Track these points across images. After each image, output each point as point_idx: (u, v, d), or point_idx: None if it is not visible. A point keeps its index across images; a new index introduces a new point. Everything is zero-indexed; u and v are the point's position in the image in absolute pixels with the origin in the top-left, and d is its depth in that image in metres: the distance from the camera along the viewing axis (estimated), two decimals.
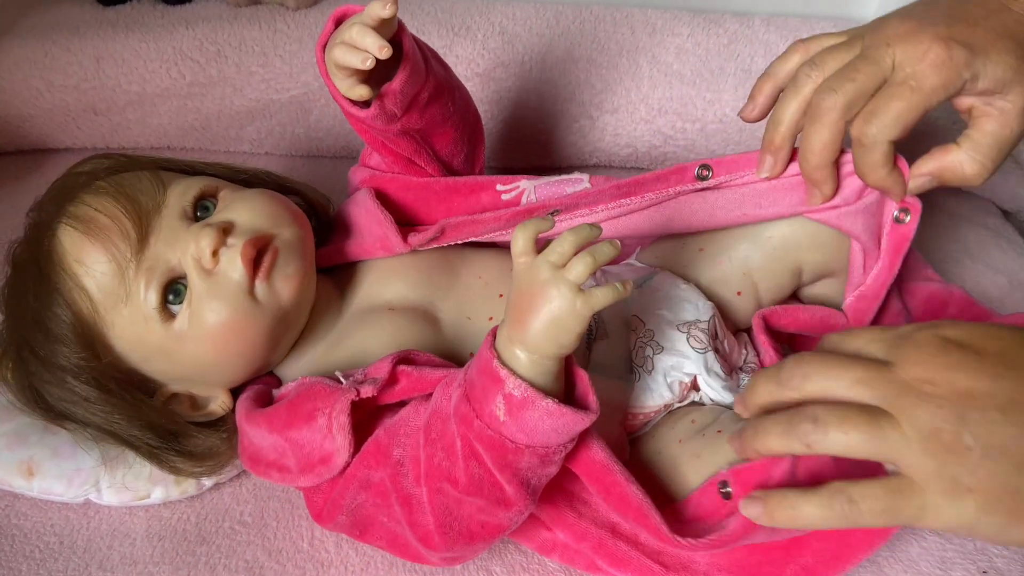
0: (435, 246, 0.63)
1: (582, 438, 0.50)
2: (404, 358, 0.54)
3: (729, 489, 0.51)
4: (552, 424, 0.45)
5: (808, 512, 0.41)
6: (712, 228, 0.62)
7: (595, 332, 0.60)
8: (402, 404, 0.54)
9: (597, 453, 0.51)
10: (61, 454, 0.60)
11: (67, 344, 0.54)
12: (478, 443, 0.46)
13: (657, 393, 0.58)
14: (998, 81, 0.49)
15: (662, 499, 0.53)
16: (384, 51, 0.51)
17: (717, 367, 0.59)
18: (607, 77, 0.86)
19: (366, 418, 0.54)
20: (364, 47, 0.52)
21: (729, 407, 0.58)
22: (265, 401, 0.57)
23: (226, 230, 0.54)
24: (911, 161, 0.55)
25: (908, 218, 0.57)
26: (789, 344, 0.68)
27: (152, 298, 0.54)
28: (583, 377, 0.48)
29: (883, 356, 0.42)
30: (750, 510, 0.42)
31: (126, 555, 0.59)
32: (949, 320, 0.42)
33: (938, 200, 0.86)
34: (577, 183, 0.65)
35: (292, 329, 0.59)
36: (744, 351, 0.63)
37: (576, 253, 0.45)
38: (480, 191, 0.65)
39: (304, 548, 0.59)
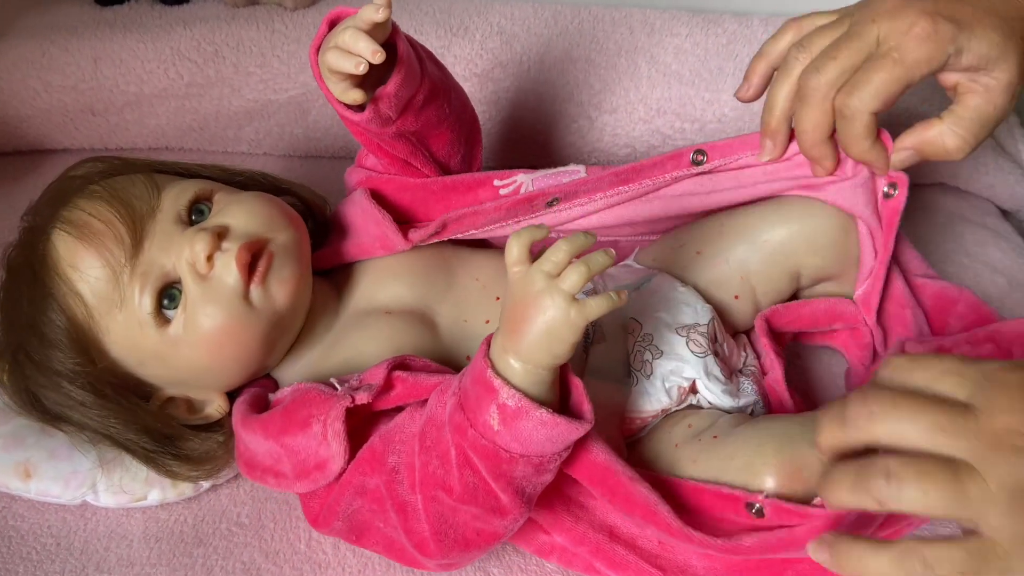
0: (436, 241, 0.63)
1: (581, 443, 0.50)
2: (400, 364, 0.54)
3: (761, 508, 0.50)
4: (546, 434, 0.45)
5: (877, 570, 0.37)
6: (710, 209, 0.63)
7: (592, 336, 0.59)
8: (398, 410, 0.54)
9: (598, 455, 0.51)
10: (58, 456, 0.60)
11: (62, 349, 0.54)
12: (472, 452, 0.46)
13: (655, 398, 0.58)
14: (982, 57, 0.49)
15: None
16: (377, 56, 0.51)
17: (717, 371, 0.59)
18: (605, 77, 0.85)
19: (361, 424, 0.54)
20: (357, 52, 0.51)
21: (727, 411, 0.58)
22: (261, 406, 0.57)
23: (221, 234, 0.54)
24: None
25: (896, 192, 0.57)
26: (793, 344, 0.68)
27: (147, 303, 0.54)
28: (578, 386, 0.48)
29: (964, 397, 0.37)
30: (818, 555, 0.39)
31: (123, 557, 0.59)
32: None
33: (937, 199, 0.86)
34: (574, 174, 0.65)
35: (288, 333, 0.59)
36: (743, 353, 0.63)
37: (570, 262, 0.45)
38: (477, 188, 0.65)
39: (301, 550, 0.59)
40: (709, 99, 0.84)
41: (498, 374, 0.45)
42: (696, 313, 0.61)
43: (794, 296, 0.65)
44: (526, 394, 0.45)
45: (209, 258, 0.53)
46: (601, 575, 0.55)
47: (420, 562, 0.53)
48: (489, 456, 0.46)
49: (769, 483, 0.51)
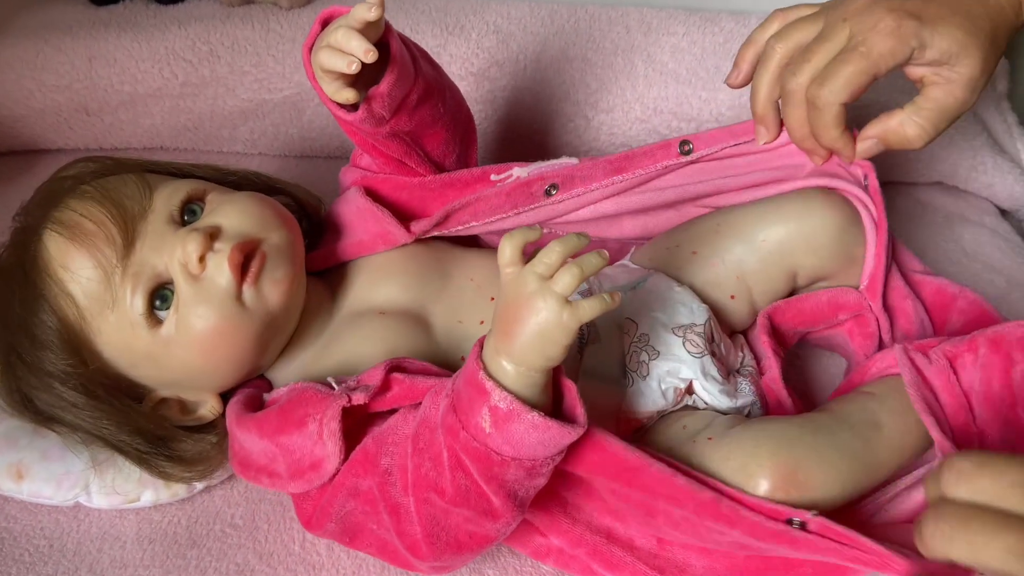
0: (437, 234, 0.63)
1: (591, 441, 0.50)
2: (397, 366, 0.53)
3: (802, 523, 0.49)
4: (538, 437, 0.45)
5: None
6: (706, 194, 0.65)
7: (586, 336, 0.59)
8: (393, 412, 0.53)
9: (611, 445, 0.50)
10: (50, 457, 0.60)
11: (53, 351, 0.54)
12: (464, 454, 0.46)
13: (650, 399, 0.58)
14: (945, 52, 0.53)
15: None
16: (370, 55, 0.51)
17: (714, 371, 0.58)
18: (602, 76, 0.85)
19: (355, 426, 0.53)
20: (349, 51, 0.51)
21: (724, 412, 0.58)
22: (256, 406, 0.57)
23: (213, 235, 0.54)
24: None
25: (868, 180, 0.62)
26: (797, 344, 0.68)
27: (138, 304, 0.53)
28: (571, 390, 0.48)
29: None
30: None
31: (116, 558, 0.58)
32: None
33: (935, 199, 0.86)
34: (567, 165, 0.66)
35: (281, 334, 0.59)
36: (741, 354, 0.63)
37: (563, 263, 0.45)
38: (475, 183, 0.65)
39: (296, 551, 0.59)
40: (706, 98, 0.84)
41: (490, 376, 0.45)
42: (692, 313, 0.60)
43: (790, 296, 0.65)
44: (518, 396, 0.45)
45: (201, 258, 0.53)
46: None
47: (413, 564, 0.52)
48: (481, 459, 0.46)
49: (764, 485, 0.50)
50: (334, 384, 0.54)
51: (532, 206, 0.63)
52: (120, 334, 0.54)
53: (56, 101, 0.86)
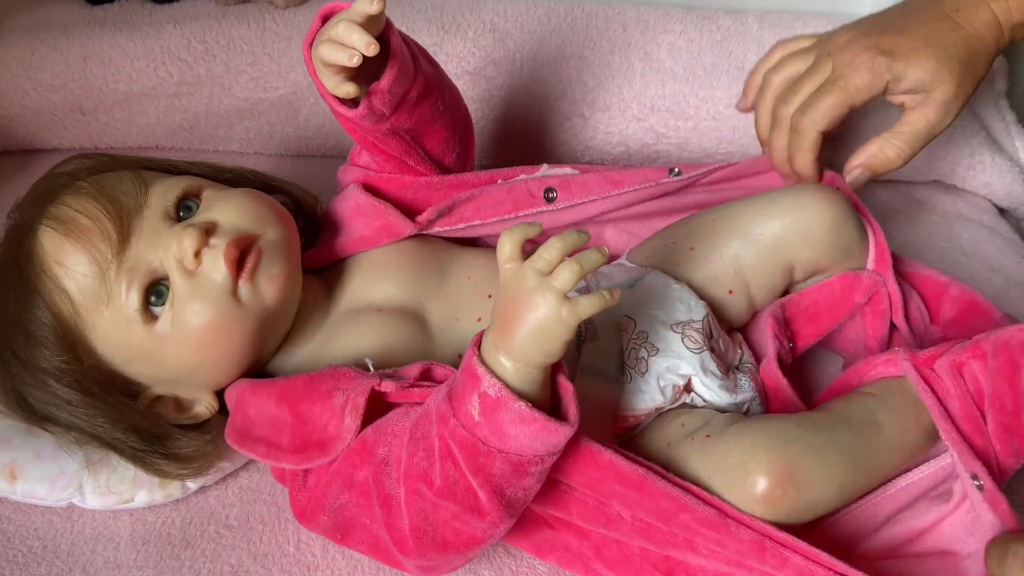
0: (439, 230, 0.63)
1: (583, 453, 0.49)
2: (428, 370, 0.54)
3: None
4: (524, 430, 0.45)
5: None
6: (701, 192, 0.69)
7: (584, 333, 0.59)
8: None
9: (602, 456, 0.50)
10: (44, 457, 0.59)
11: (48, 347, 0.54)
12: (452, 443, 0.46)
13: (649, 396, 0.57)
14: (919, 81, 0.60)
15: None
16: (371, 48, 0.51)
17: (713, 366, 0.58)
18: (599, 75, 0.85)
19: (365, 422, 0.53)
20: (351, 44, 0.51)
21: (723, 408, 0.58)
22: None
23: (209, 230, 0.54)
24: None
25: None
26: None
27: (134, 300, 0.53)
28: (567, 389, 0.47)
29: None
30: None
31: (110, 559, 0.58)
32: None
33: (934, 198, 0.86)
34: (570, 175, 0.67)
35: (277, 330, 0.58)
36: (739, 351, 0.63)
37: (563, 260, 0.45)
38: (481, 185, 0.65)
39: (290, 552, 0.58)
40: (703, 96, 0.84)
41: (483, 363, 0.45)
42: (690, 309, 0.60)
43: (786, 292, 0.65)
44: (507, 384, 0.44)
45: (197, 254, 0.53)
46: None
47: (402, 562, 0.52)
48: (468, 447, 0.46)
49: (761, 482, 0.50)
50: (371, 366, 0.54)
51: (534, 209, 0.64)
52: (115, 330, 0.54)
53: (51, 100, 0.86)
